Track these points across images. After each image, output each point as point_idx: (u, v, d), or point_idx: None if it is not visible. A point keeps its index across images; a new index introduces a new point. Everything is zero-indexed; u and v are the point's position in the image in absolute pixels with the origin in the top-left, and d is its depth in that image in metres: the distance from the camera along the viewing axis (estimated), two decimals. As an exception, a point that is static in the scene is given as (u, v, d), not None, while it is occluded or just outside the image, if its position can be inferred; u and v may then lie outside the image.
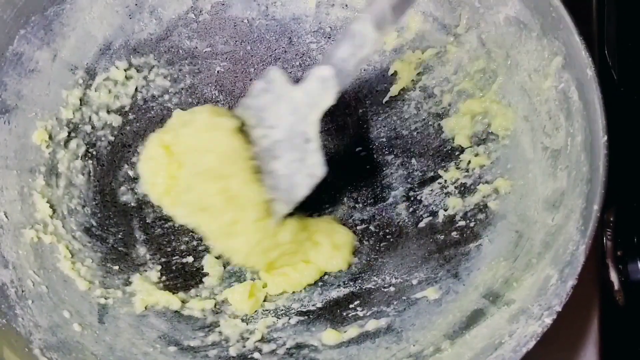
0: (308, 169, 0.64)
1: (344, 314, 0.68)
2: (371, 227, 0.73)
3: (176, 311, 0.69)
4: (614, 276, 0.70)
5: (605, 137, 0.57)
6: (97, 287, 0.68)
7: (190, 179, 0.66)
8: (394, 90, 0.75)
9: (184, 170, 0.66)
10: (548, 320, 0.56)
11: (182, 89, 0.77)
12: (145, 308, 0.68)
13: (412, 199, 0.73)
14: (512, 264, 0.63)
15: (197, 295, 0.70)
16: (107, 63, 0.74)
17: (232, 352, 0.66)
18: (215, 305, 0.69)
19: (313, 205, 0.74)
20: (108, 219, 0.72)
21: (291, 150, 0.64)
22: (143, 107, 0.76)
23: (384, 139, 0.75)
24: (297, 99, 0.63)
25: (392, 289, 0.68)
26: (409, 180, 0.73)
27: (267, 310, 0.69)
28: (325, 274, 0.71)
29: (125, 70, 0.75)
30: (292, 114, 0.64)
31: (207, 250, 0.72)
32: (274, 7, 0.77)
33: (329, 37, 0.76)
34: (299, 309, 0.69)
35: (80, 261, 0.69)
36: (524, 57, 0.66)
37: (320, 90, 0.62)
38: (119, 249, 0.71)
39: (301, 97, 0.63)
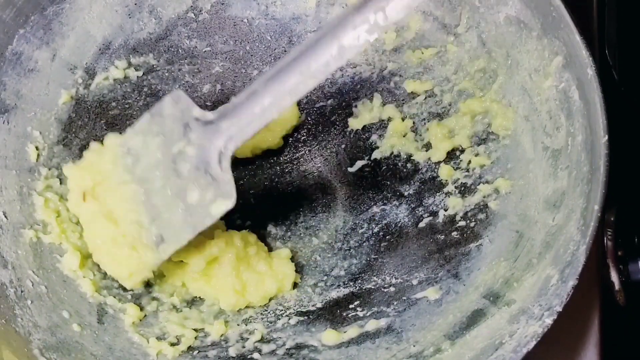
0: None
1: (344, 314, 0.68)
2: (371, 227, 0.72)
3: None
4: (614, 276, 0.70)
5: (606, 137, 0.57)
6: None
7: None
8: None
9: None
10: (549, 321, 0.56)
11: (181, 88, 0.76)
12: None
13: (412, 199, 0.73)
14: (513, 264, 0.63)
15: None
16: (107, 62, 0.74)
17: (232, 352, 0.66)
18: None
19: (313, 209, 0.74)
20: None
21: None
22: (142, 106, 0.76)
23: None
24: None
25: (392, 289, 0.68)
26: (409, 180, 0.73)
27: (265, 311, 0.69)
28: (325, 275, 0.71)
29: (124, 69, 0.75)
30: None
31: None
32: (273, 7, 0.77)
33: (328, 37, 0.76)
34: (299, 309, 0.69)
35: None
36: (524, 56, 0.66)
37: None
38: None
39: None
